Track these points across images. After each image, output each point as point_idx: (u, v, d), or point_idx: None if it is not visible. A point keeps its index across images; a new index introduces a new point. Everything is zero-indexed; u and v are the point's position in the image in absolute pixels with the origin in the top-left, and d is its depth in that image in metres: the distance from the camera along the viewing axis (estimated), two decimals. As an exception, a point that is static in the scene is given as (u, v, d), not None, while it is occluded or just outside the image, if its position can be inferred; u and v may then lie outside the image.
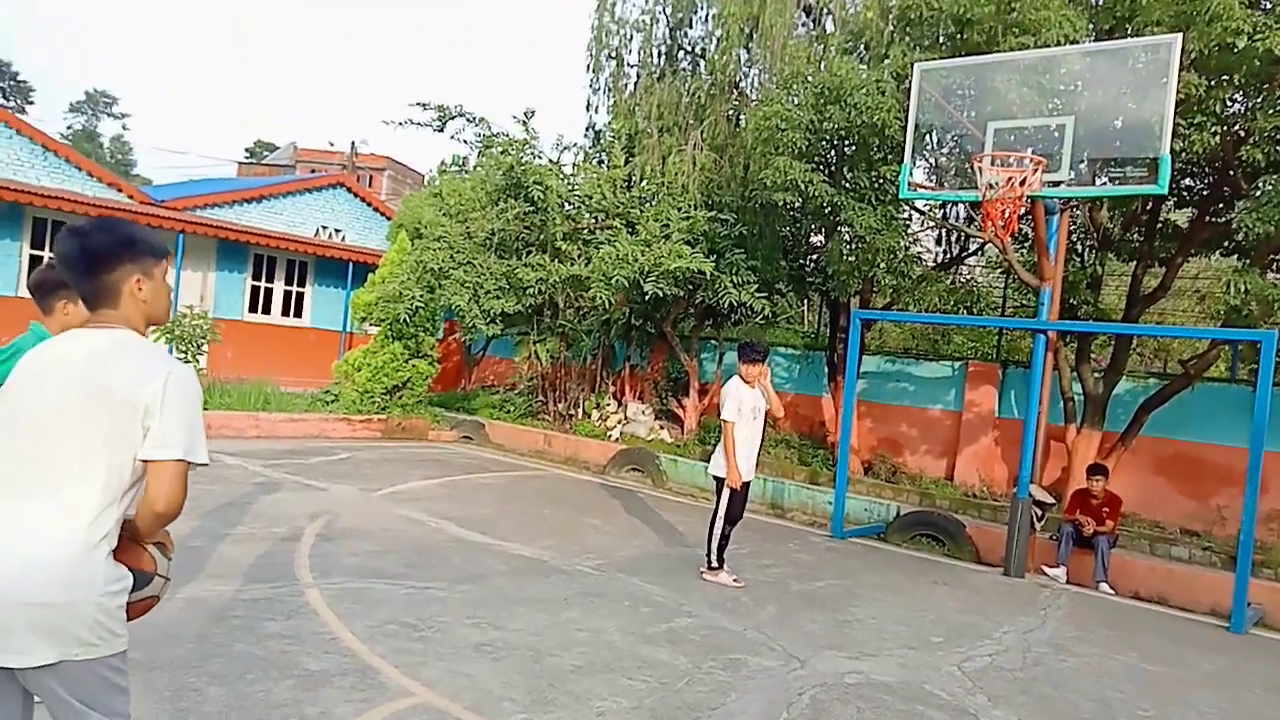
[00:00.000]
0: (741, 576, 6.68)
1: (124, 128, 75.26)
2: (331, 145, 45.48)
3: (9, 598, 1.91)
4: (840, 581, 7.15)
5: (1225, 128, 8.45)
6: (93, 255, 2.14)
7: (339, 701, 3.77)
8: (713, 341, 14.65)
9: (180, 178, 33.43)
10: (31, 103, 53.51)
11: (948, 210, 11.87)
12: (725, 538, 6.67)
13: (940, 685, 4.85)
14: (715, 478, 6.78)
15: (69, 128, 57.68)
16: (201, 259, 17.33)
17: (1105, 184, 8.02)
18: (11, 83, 52.70)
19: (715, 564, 6.64)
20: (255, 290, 18.36)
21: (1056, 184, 7.75)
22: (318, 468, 9.63)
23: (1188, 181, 10.04)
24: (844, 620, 5.99)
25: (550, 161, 13.90)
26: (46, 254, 15.05)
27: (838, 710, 4.32)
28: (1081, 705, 4.79)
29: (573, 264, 12.76)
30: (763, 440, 7.21)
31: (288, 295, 18.94)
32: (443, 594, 5.52)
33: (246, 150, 59.02)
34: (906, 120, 8.64)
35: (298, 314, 19.13)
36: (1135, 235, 10.63)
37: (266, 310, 18.59)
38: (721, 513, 6.63)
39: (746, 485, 6.78)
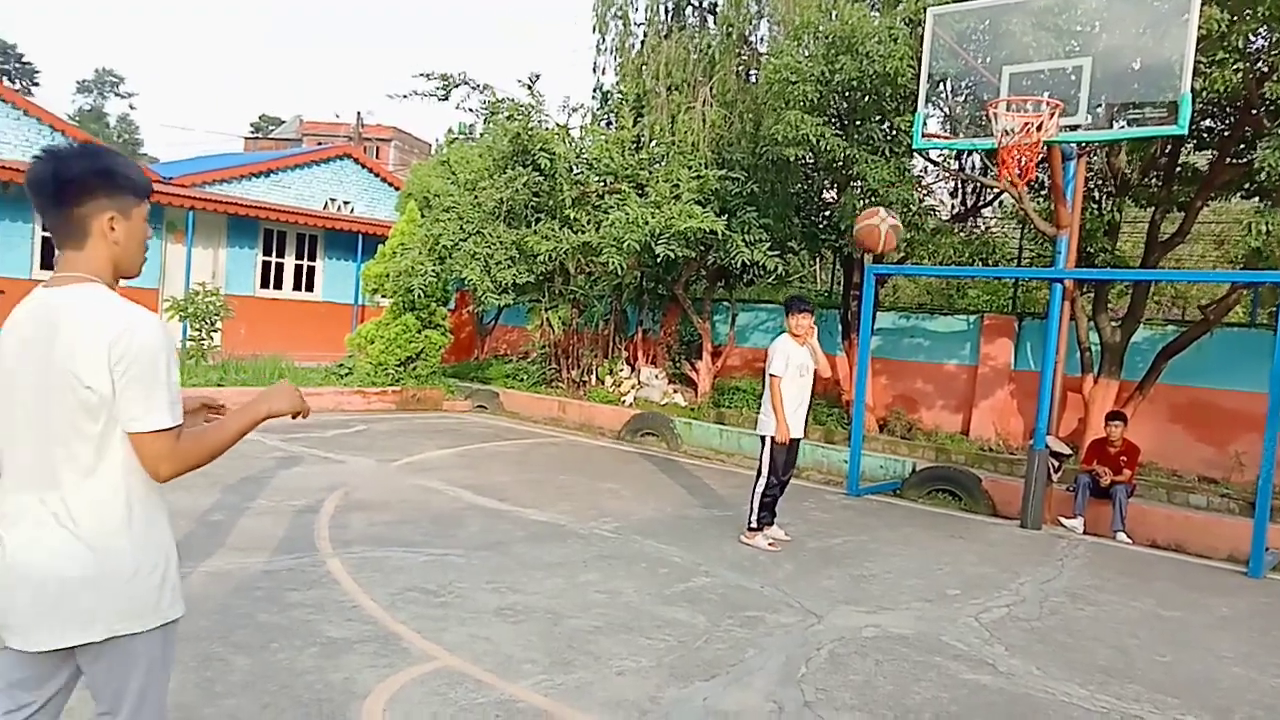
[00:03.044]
0: (777, 540, 6.64)
1: (131, 107, 75.19)
2: (337, 117, 45.36)
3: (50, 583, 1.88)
4: (856, 538, 7.17)
5: (1248, 64, 8.23)
6: (64, 182, 1.89)
7: (362, 667, 3.82)
8: (725, 303, 14.58)
9: (186, 155, 33.41)
10: (38, 84, 53.55)
11: (963, 160, 11.70)
12: (772, 500, 6.62)
13: (957, 636, 4.86)
14: (760, 437, 6.66)
15: (77, 108, 57.67)
16: (212, 236, 17.36)
17: (1123, 126, 7.85)
18: (17, 65, 52.65)
19: (754, 526, 6.61)
20: (266, 265, 18.39)
21: (1074, 128, 7.61)
22: (334, 440, 9.70)
23: (1208, 122, 9.82)
24: (860, 575, 6.00)
25: (557, 125, 13.75)
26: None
27: (855, 663, 4.35)
28: (1099, 652, 4.80)
29: (583, 231, 12.68)
30: (811, 401, 7.10)
31: (299, 269, 18.97)
32: (461, 560, 5.57)
33: (251, 125, 58.91)
34: (919, 68, 8.49)
35: (309, 288, 19.17)
36: (1154, 180, 10.44)
37: (278, 285, 18.64)
38: (764, 471, 6.56)
39: (796, 444, 6.70)
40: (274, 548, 5.48)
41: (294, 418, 2.19)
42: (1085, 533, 8.03)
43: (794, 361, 6.58)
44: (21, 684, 1.97)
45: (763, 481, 6.58)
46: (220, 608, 4.37)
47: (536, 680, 3.85)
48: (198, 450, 1.95)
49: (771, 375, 6.53)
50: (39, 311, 1.91)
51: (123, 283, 2.10)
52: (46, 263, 14.80)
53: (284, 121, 56.95)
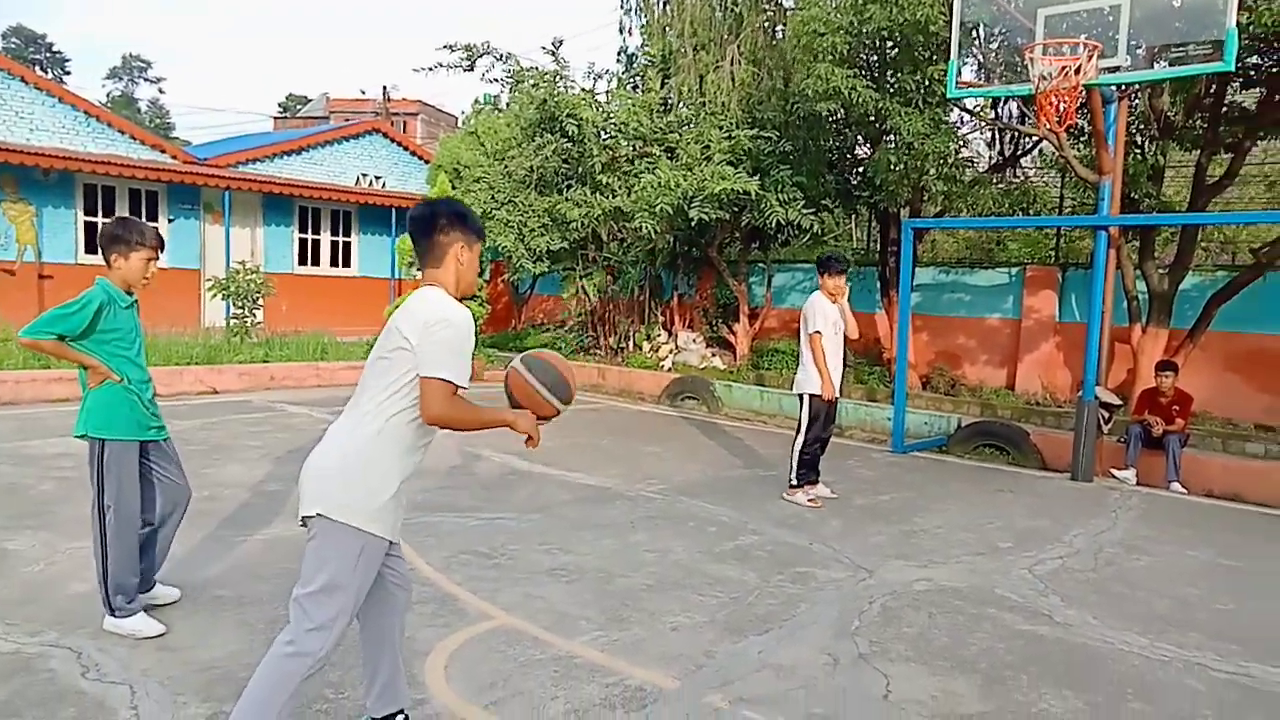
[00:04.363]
0: (819, 500, 6.64)
1: (160, 91, 75.89)
2: (363, 93, 45.36)
3: (307, 466, 2.61)
4: (903, 494, 7.14)
5: (1298, -5, 7.93)
6: (435, 216, 2.67)
7: (421, 626, 3.89)
8: (760, 265, 14.47)
9: (217, 137, 33.68)
10: (69, 72, 54.21)
11: (999, 109, 11.44)
12: (812, 457, 6.62)
13: (1011, 588, 4.84)
14: (802, 395, 6.61)
15: (108, 94, 58.32)
16: (249, 215, 17.55)
17: (1166, 66, 7.62)
18: (48, 54, 53.30)
19: (795, 482, 6.62)
20: (303, 242, 18.56)
21: (1113, 70, 7.40)
22: (379, 411, 9.81)
23: (1255, 59, 9.45)
24: (910, 531, 5.99)
25: (584, 91, 13.65)
26: (100, 220, 15.37)
27: (909, 616, 4.35)
28: (1157, 602, 4.75)
29: (614, 195, 12.62)
30: (844, 357, 7.04)
31: (334, 245, 19.13)
32: (512, 524, 5.64)
33: (279, 105, 59.14)
34: (951, 15, 8.28)
35: (345, 264, 19.34)
36: (1199, 121, 10.12)
37: (315, 262, 18.81)
38: (804, 429, 6.56)
39: (833, 404, 6.66)
40: (328, 516, 5.57)
41: (526, 441, 2.74)
42: (1138, 484, 7.93)
43: (829, 319, 6.53)
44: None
45: (802, 438, 6.58)
46: (280, 572, 4.47)
47: (592, 637, 3.90)
48: (459, 412, 2.53)
49: (812, 333, 6.48)
50: (408, 299, 2.66)
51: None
52: (90, 248, 15.05)
53: (311, 100, 57.13)
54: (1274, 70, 9.42)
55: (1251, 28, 7.96)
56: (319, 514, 2.51)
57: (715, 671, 3.61)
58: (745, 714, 3.25)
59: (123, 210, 15.64)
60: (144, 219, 15.88)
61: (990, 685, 3.60)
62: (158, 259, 3.88)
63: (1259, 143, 10.64)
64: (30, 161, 13.85)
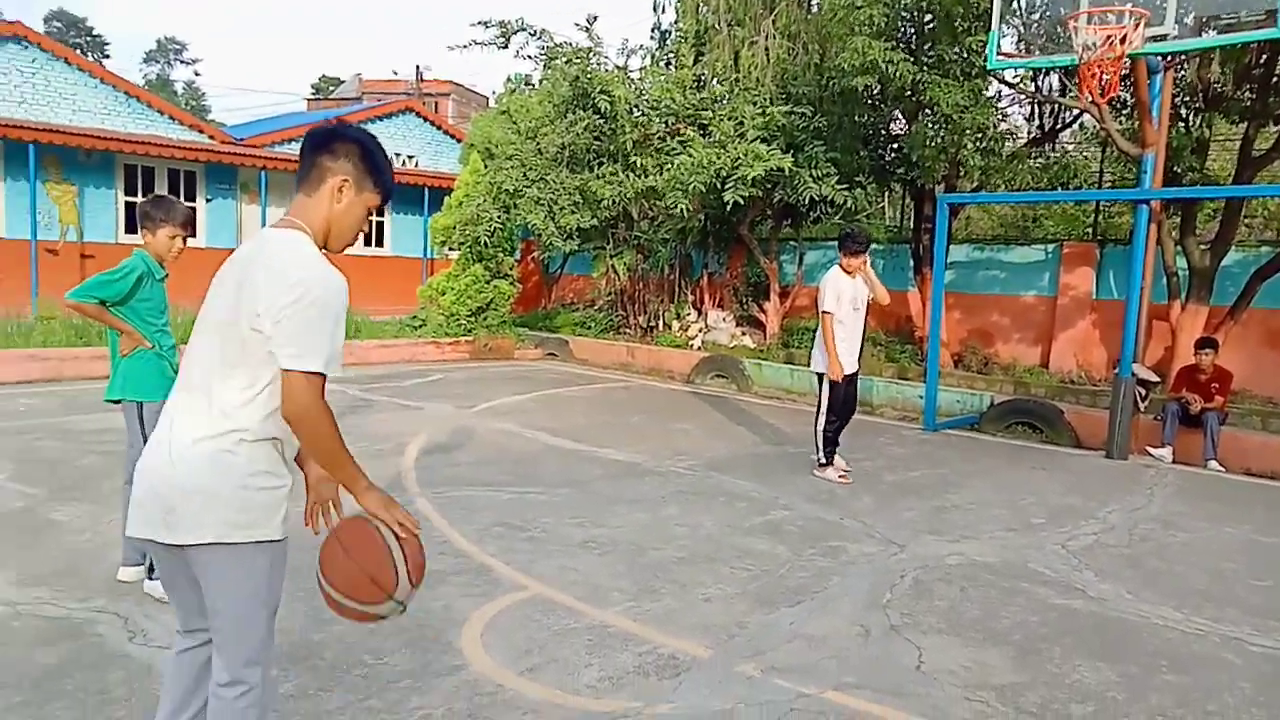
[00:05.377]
0: (849, 474, 6.65)
1: (196, 73, 76.56)
2: (395, 74, 45.55)
3: (168, 480, 2.02)
4: (935, 471, 7.10)
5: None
6: (330, 134, 2.16)
7: (458, 596, 3.96)
8: (792, 242, 14.37)
9: (252, 118, 33.99)
10: (108, 55, 54.93)
11: (1039, 81, 11.22)
12: (836, 433, 6.63)
13: (1044, 563, 4.81)
14: (816, 374, 6.66)
15: (144, 77, 59.01)
16: (284, 195, 17.71)
17: (1215, 34, 7.42)
18: (88, 38, 54.03)
19: (824, 460, 6.63)
20: (337, 223, 18.70)
21: (1160, 38, 7.22)
22: (412, 389, 9.95)
23: (1309, 27, 9.20)
24: (941, 507, 5.96)
25: (616, 68, 13.58)
26: (140, 200, 15.61)
27: (940, 589, 4.34)
28: (1193, 577, 4.70)
29: (646, 175, 12.57)
30: (865, 333, 7.00)
31: (369, 225, 19.27)
32: (544, 498, 5.70)
33: (312, 86, 59.48)
34: (991, -16, 8.13)
35: (379, 243, 19.50)
36: (1247, 92, 9.86)
37: (350, 241, 18.97)
38: (824, 408, 6.57)
39: (853, 378, 6.64)
40: (364, 489, 5.66)
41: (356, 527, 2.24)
42: (1174, 461, 7.81)
43: (846, 297, 6.48)
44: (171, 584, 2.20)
45: (823, 418, 6.58)
46: (319, 542, 4.54)
47: (625, 607, 3.95)
48: (325, 419, 2.00)
49: (824, 312, 6.44)
50: (256, 241, 2.14)
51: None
52: (130, 227, 15.31)
53: (343, 81, 57.43)
54: (1326, 39, 9.13)
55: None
56: (211, 542, 2.02)
57: (747, 641, 3.64)
58: (777, 682, 3.28)
59: (161, 190, 15.89)
60: (181, 199, 16.14)
61: (1023, 657, 3.60)
62: (185, 237, 4.02)
63: (1310, 115, 10.33)
64: (73, 142, 14.10)
